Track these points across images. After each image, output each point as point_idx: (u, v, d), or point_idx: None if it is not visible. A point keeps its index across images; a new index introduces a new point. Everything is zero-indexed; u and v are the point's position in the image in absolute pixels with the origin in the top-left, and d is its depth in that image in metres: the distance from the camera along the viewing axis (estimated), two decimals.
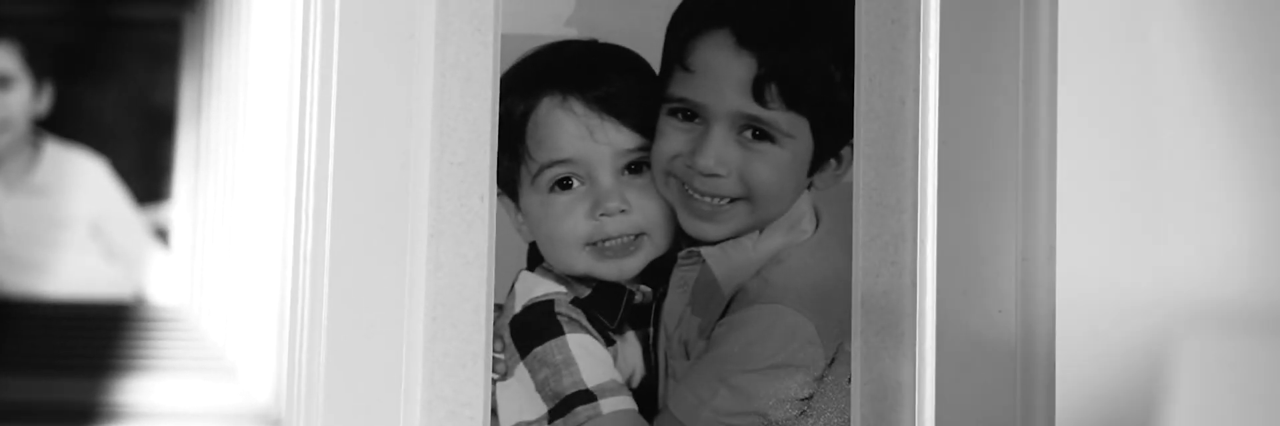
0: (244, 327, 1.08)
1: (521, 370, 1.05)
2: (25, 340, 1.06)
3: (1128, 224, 1.01)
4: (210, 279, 1.08)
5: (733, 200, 1.05)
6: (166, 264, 1.08)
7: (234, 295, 1.08)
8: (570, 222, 1.05)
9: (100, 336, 1.07)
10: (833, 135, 1.05)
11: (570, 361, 1.04)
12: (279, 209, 1.06)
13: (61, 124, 1.08)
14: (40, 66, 1.08)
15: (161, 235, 1.09)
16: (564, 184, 1.06)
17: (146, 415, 1.07)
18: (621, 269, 1.06)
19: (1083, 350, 0.99)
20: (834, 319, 1.04)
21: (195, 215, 1.08)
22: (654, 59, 1.07)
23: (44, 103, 1.08)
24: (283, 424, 1.06)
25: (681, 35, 1.06)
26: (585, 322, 1.05)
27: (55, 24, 1.08)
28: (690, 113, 1.06)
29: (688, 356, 1.05)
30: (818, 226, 1.06)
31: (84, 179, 1.08)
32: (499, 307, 1.05)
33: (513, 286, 1.06)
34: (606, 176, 1.06)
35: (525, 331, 1.05)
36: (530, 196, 1.06)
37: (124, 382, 1.06)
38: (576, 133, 1.06)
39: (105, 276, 1.08)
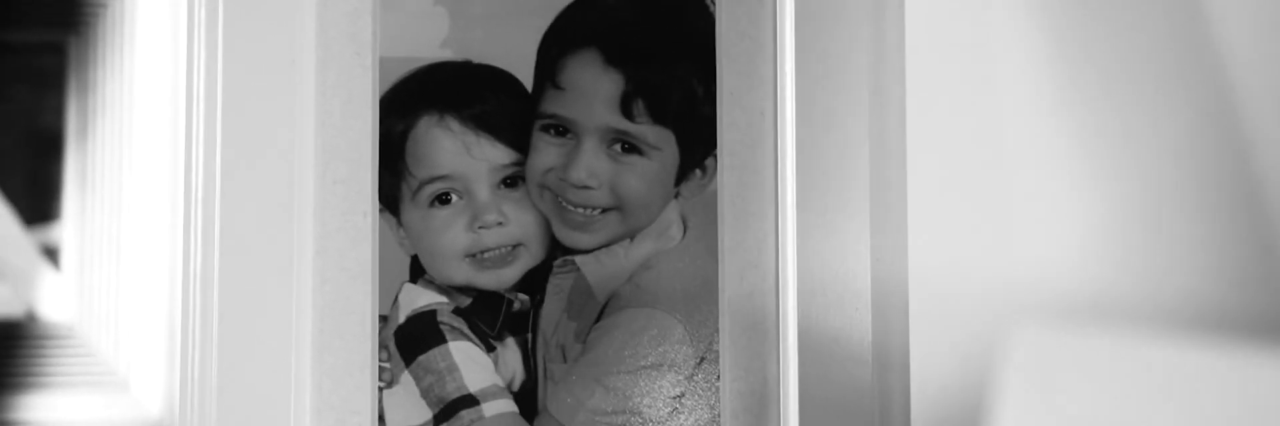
0: (135, 342, 1.11)
1: (407, 377, 1.09)
2: None
3: (974, 224, 1.06)
4: (100, 296, 1.11)
5: (604, 210, 1.10)
6: (56, 282, 1.11)
7: (124, 311, 1.11)
8: (450, 236, 1.10)
9: None
10: (697, 146, 1.11)
11: (453, 368, 1.09)
12: (166, 227, 1.10)
13: None
14: None
15: (51, 254, 1.11)
16: (443, 199, 1.11)
17: None
18: (500, 278, 1.11)
19: (935, 344, 1.04)
20: (702, 320, 1.09)
21: (83, 234, 1.11)
22: (526, 78, 1.12)
23: None
24: None
25: (552, 55, 1.11)
26: (467, 330, 1.10)
27: None
28: (562, 128, 1.11)
29: (565, 360, 1.10)
30: (685, 233, 1.11)
31: None
32: (383, 318, 1.09)
33: (396, 298, 1.10)
34: (483, 191, 1.10)
35: (409, 340, 1.10)
36: (411, 211, 1.11)
37: (20, 399, 1.09)
38: (454, 149, 1.11)
39: None
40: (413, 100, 1.11)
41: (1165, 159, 1.06)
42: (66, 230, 1.11)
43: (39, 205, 1.11)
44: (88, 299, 1.11)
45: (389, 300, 1.10)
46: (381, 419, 1.08)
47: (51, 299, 1.11)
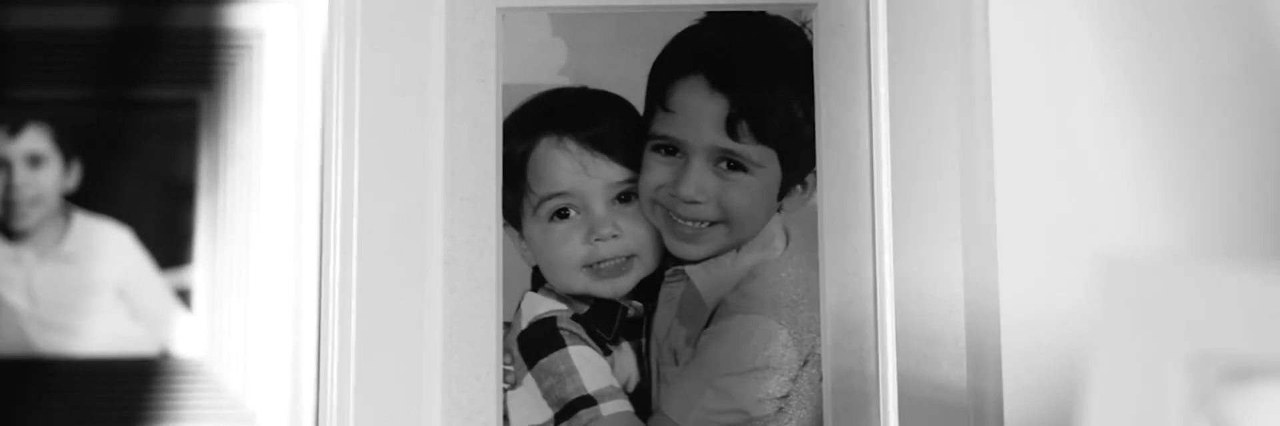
0: (260, 377, 1.17)
1: (529, 379, 1.16)
2: (60, 395, 1.14)
3: (1059, 233, 1.13)
4: (228, 334, 1.18)
5: (712, 223, 1.17)
6: (188, 322, 1.17)
7: (251, 348, 1.17)
8: (568, 248, 1.17)
9: (129, 390, 1.15)
10: (798, 164, 1.17)
11: (572, 370, 1.16)
12: (291, 265, 1.17)
13: (89, 197, 1.17)
14: (69, 146, 1.17)
15: (184, 296, 1.19)
16: (562, 214, 1.18)
17: None
18: (615, 287, 1.17)
19: (1026, 346, 1.11)
20: (805, 326, 1.16)
21: (213, 277, 1.18)
22: (638, 102, 1.18)
23: (73, 179, 1.18)
24: None
25: (661, 81, 1.18)
26: (585, 336, 1.17)
27: (82, 106, 1.17)
28: (672, 148, 1.18)
29: (677, 363, 1.16)
30: (788, 244, 1.17)
31: (110, 247, 1.17)
32: (507, 325, 1.16)
33: (519, 305, 1.17)
34: (599, 206, 1.18)
35: (531, 345, 1.17)
36: (532, 225, 1.18)
37: None
38: (571, 168, 1.18)
39: (132, 335, 1.16)
40: (533, 123, 1.18)
41: (1238, 169, 1.12)
42: (198, 273, 1.18)
43: (173, 250, 1.17)
44: (217, 337, 1.16)
45: (512, 307, 1.17)
46: (506, 418, 1.16)
47: (183, 338, 1.17)
